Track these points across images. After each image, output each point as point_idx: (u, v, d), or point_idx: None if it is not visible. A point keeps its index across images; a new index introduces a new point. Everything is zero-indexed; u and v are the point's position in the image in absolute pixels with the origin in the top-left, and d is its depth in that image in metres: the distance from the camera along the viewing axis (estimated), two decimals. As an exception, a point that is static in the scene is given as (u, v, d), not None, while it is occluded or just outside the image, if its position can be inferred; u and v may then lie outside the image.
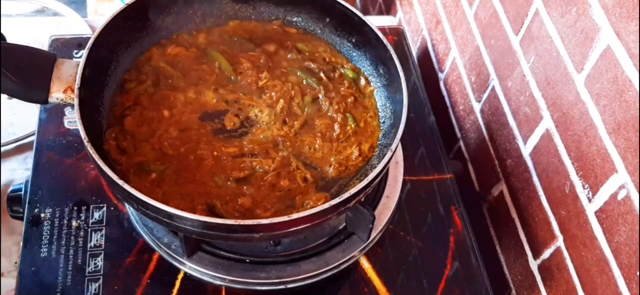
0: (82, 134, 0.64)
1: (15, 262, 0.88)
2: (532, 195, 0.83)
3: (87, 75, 0.70)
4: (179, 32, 0.85)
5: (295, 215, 0.62)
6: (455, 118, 1.08)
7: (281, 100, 0.80)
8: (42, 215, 0.78)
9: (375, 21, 0.84)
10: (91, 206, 0.79)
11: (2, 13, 1.26)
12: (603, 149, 0.67)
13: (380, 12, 1.45)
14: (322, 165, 0.75)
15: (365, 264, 0.79)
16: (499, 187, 0.93)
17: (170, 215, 0.61)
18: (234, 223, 0.61)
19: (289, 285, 0.74)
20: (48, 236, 0.76)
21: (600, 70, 0.67)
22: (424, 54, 1.19)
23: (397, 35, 1.11)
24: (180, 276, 0.75)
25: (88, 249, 0.75)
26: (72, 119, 0.88)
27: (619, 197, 0.65)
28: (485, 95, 0.95)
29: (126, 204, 0.79)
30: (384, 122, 0.80)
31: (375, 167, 0.68)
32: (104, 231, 0.77)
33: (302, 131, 0.78)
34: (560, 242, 0.77)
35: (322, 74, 0.83)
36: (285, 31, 0.89)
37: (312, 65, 0.85)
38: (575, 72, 0.72)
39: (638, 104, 0.61)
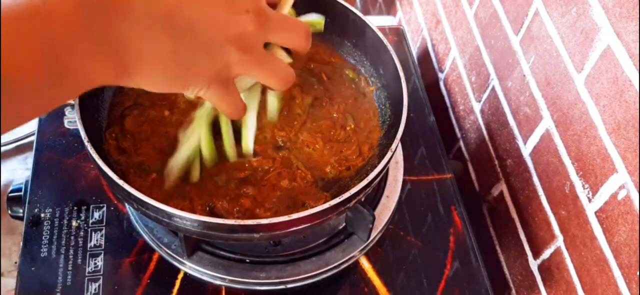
0: (82, 134, 0.64)
1: (15, 262, 0.88)
2: (532, 195, 0.83)
3: (87, 75, 0.70)
4: (179, 32, 0.85)
5: (295, 215, 0.62)
6: (455, 118, 1.08)
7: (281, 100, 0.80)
8: (42, 215, 0.78)
9: (375, 21, 0.84)
10: (91, 206, 0.79)
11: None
12: (603, 149, 0.67)
13: (380, 12, 1.45)
14: (322, 166, 0.75)
15: (365, 264, 0.80)
16: (499, 187, 0.93)
17: (170, 215, 0.61)
18: (234, 223, 0.61)
19: (289, 285, 0.74)
20: (48, 236, 0.76)
21: (600, 70, 0.67)
22: (424, 54, 1.19)
23: (397, 35, 1.11)
24: (180, 276, 0.75)
25: (88, 249, 0.75)
26: (72, 119, 0.88)
27: (619, 197, 0.65)
28: (485, 95, 0.95)
29: (126, 204, 0.79)
30: (384, 122, 0.80)
31: (376, 167, 0.68)
32: (104, 231, 0.77)
33: (302, 131, 0.78)
34: (560, 242, 0.77)
35: (322, 74, 0.83)
36: (285, 31, 0.89)
37: (312, 65, 0.85)
38: (575, 72, 0.72)
39: (638, 104, 0.61)
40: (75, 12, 0.41)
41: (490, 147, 0.95)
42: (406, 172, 0.86)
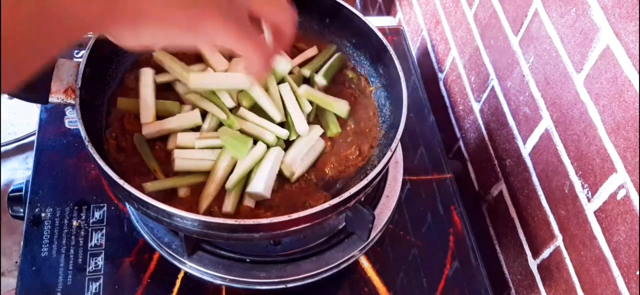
0: (83, 133, 0.64)
1: (16, 262, 0.88)
2: (532, 194, 0.83)
3: (88, 75, 0.70)
4: (179, 32, 0.85)
5: (295, 215, 0.62)
6: (455, 118, 1.08)
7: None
8: (43, 214, 0.78)
9: (375, 21, 0.84)
10: (92, 206, 0.80)
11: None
12: (602, 148, 0.67)
13: (380, 13, 1.45)
14: (322, 165, 0.75)
15: (365, 263, 0.80)
16: (499, 186, 0.93)
17: (170, 215, 0.61)
18: (234, 223, 0.61)
19: (289, 285, 0.74)
20: (48, 236, 0.76)
21: (600, 71, 0.67)
22: (424, 54, 1.19)
23: (397, 35, 1.11)
24: (180, 275, 0.75)
25: (89, 249, 0.76)
26: (73, 119, 0.88)
27: (618, 196, 0.65)
28: (484, 95, 0.96)
29: (127, 204, 0.79)
30: (383, 122, 0.80)
31: (375, 166, 0.68)
32: (104, 231, 0.78)
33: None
34: (559, 241, 0.78)
35: (322, 74, 0.83)
36: (285, 31, 0.89)
37: (312, 65, 0.85)
38: (574, 72, 0.72)
39: (637, 104, 0.61)
40: None
41: (490, 147, 0.95)
42: (406, 171, 0.86)
